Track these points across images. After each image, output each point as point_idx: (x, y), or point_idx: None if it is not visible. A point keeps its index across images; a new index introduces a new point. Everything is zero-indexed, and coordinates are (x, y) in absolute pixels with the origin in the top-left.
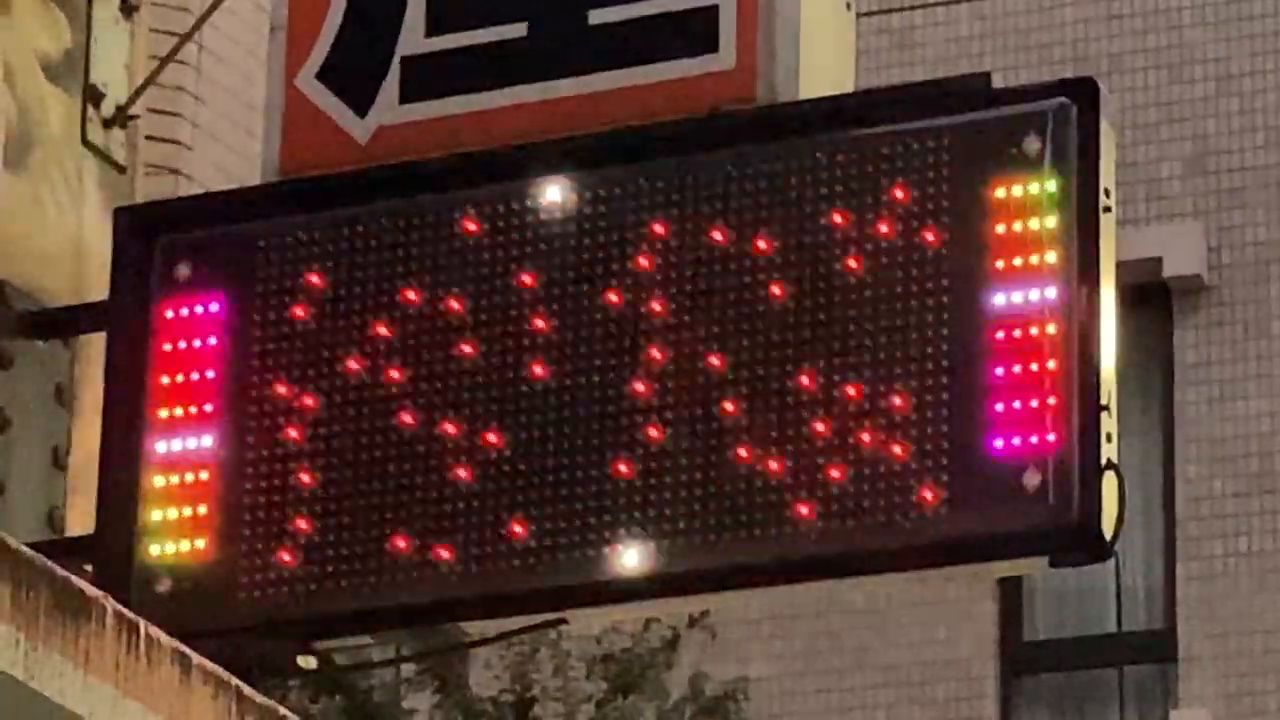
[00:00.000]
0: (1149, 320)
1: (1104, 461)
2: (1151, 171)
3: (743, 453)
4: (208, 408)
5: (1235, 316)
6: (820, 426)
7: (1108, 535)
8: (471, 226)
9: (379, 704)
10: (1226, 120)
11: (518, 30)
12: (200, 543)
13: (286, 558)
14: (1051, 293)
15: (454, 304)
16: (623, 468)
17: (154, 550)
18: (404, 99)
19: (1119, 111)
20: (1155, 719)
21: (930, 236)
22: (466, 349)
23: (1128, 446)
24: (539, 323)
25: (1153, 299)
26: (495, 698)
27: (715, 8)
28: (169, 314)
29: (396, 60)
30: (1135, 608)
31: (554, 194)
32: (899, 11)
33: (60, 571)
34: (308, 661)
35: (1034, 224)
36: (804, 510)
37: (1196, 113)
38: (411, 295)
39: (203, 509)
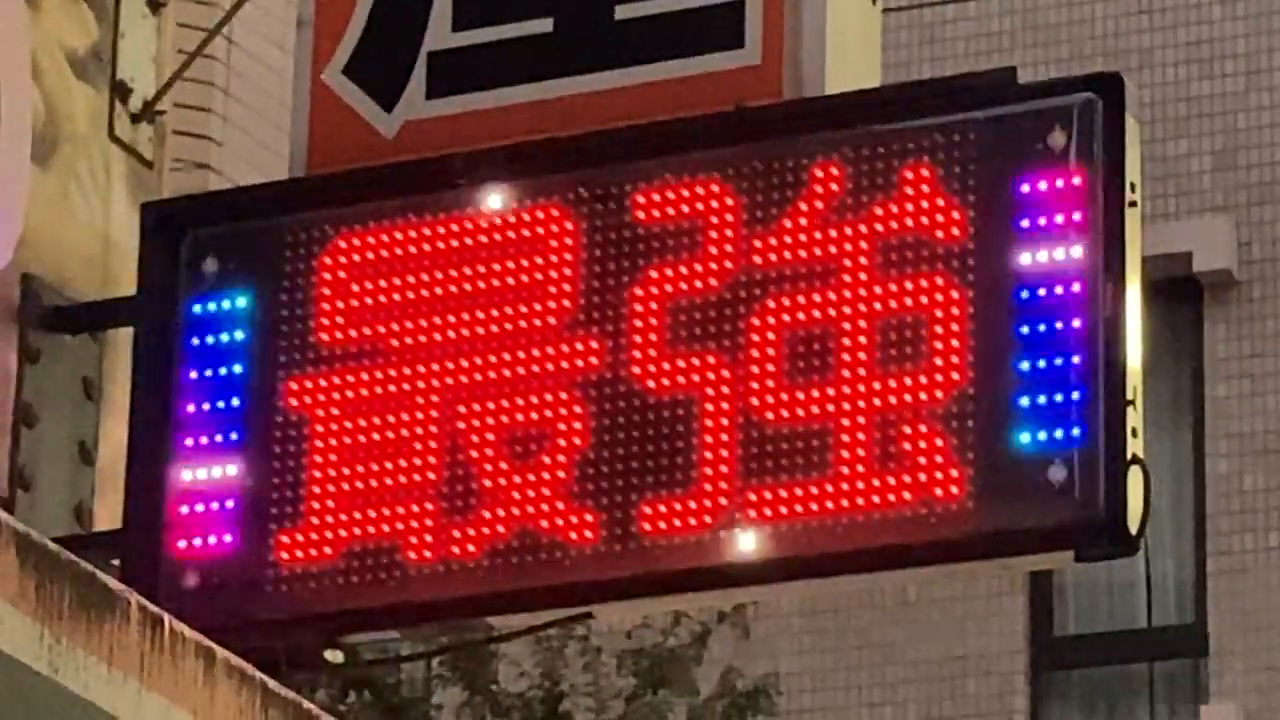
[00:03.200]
0: (1179, 315)
1: (1129, 456)
2: (1181, 166)
3: (769, 448)
4: (235, 402)
5: (1266, 311)
6: (845, 421)
7: (1133, 529)
8: (499, 221)
9: (407, 700)
10: (1257, 115)
11: (544, 25)
12: (228, 538)
13: (314, 553)
14: (1077, 287)
15: (483, 297)
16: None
17: (181, 545)
18: (430, 94)
19: (1149, 106)
20: (1186, 713)
21: (956, 231)
22: (495, 342)
23: (1158, 441)
24: (567, 316)
25: (1183, 294)
26: (524, 694)
27: (741, 3)
28: (196, 309)
29: (423, 55)
30: (1166, 602)
31: (579, 188)
32: (928, 7)
33: (85, 565)
34: (335, 656)
35: (1059, 218)
36: (830, 505)
37: (1226, 107)
38: (439, 290)
39: (230, 504)
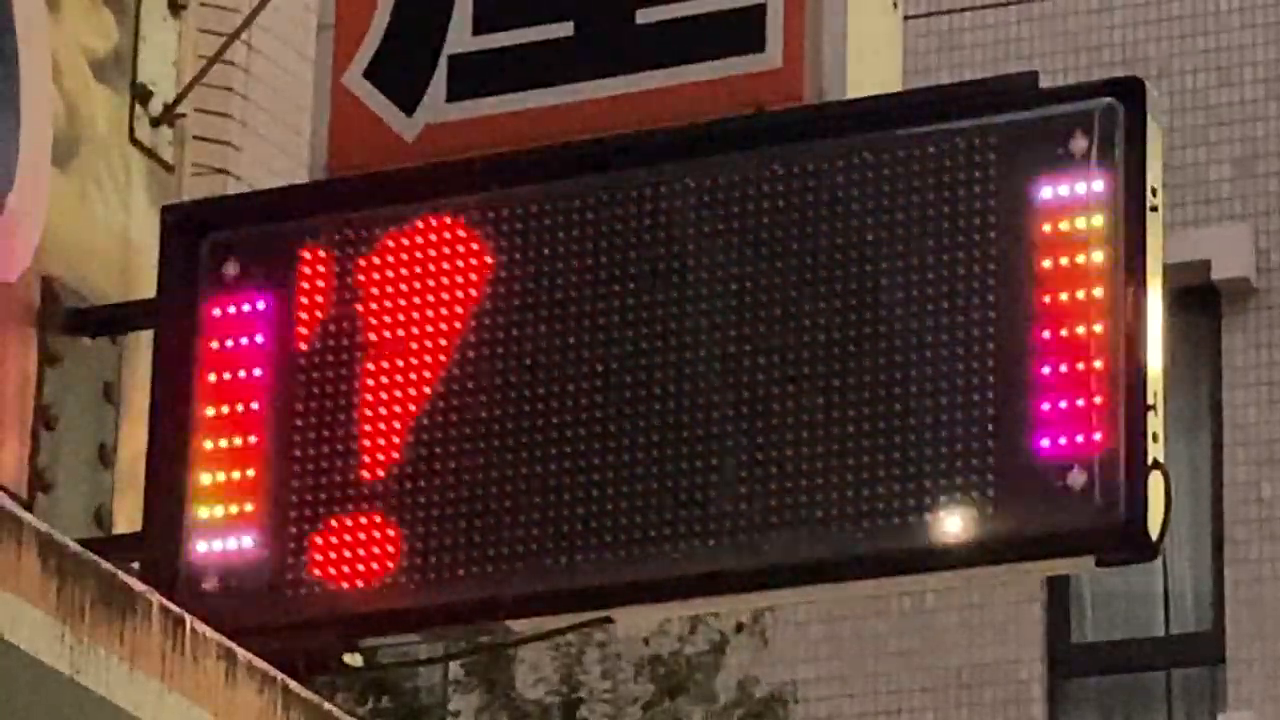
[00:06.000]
0: (1197, 323)
1: (1150, 461)
2: (1200, 174)
3: (788, 452)
4: (254, 405)
5: None
6: (865, 425)
7: (1154, 535)
8: (519, 225)
9: (426, 705)
10: (1276, 123)
11: (564, 29)
12: (247, 540)
13: (333, 555)
14: (1098, 292)
15: (502, 301)
16: (668, 466)
17: (201, 548)
18: (451, 98)
19: (1168, 114)
20: None
21: (976, 236)
22: (514, 346)
23: (1176, 449)
24: (586, 321)
25: (1201, 302)
26: (542, 699)
27: (762, 7)
28: (216, 312)
29: (444, 59)
30: (1183, 610)
31: (599, 192)
32: (947, 14)
33: (105, 566)
34: (354, 659)
35: (1080, 223)
36: (850, 509)
37: (1245, 115)
38: (460, 293)
39: (249, 506)
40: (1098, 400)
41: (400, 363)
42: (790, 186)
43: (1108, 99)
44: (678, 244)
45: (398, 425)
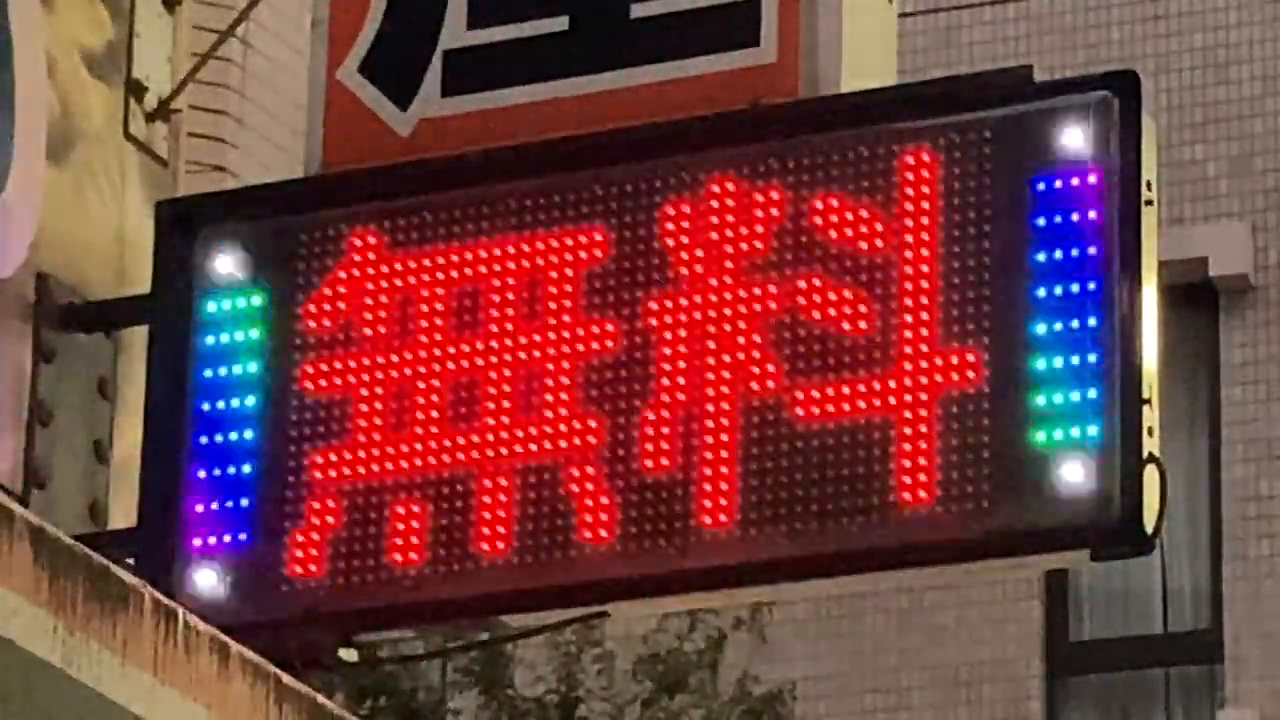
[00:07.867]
0: (1195, 320)
1: (1145, 455)
2: (1197, 171)
3: (784, 447)
4: (249, 401)
5: None
6: (861, 420)
7: (1149, 529)
8: (514, 220)
9: (424, 704)
10: (1273, 120)
11: (559, 23)
12: (242, 536)
13: (328, 551)
14: (1092, 286)
15: (497, 297)
16: (671, 461)
17: (196, 543)
18: (446, 92)
19: (1165, 111)
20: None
21: (971, 230)
22: (509, 341)
23: (1174, 447)
24: (583, 315)
25: (1199, 299)
26: (540, 698)
27: (757, 1)
28: (211, 307)
29: (438, 53)
30: (1182, 608)
31: (596, 187)
32: (945, 11)
33: (98, 559)
34: (349, 654)
35: (1075, 217)
36: (845, 504)
37: (1243, 112)
38: (454, 289)
39: (244, 502)
40: (1093, 394)
41: (395, 356)
42: (785, 180)
43: (1102, 93)
44: (672, 240)
45: (393, 419)
